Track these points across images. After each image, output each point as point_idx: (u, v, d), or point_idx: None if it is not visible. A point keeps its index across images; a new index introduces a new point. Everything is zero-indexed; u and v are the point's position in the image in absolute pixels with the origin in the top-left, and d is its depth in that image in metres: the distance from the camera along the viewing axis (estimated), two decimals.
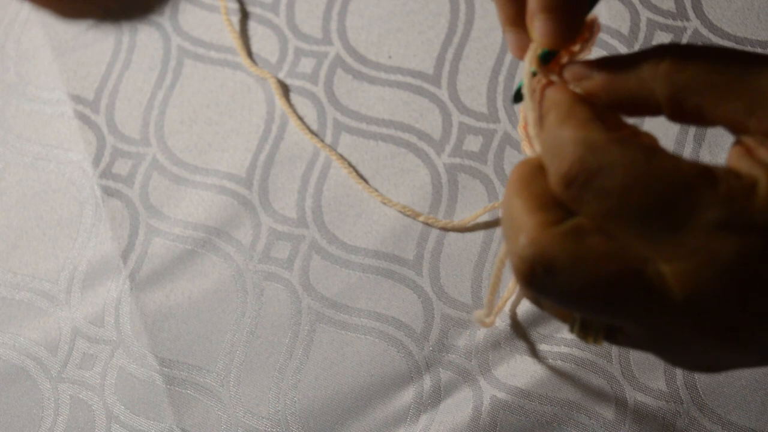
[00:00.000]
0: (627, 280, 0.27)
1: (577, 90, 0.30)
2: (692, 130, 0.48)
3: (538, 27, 0.31)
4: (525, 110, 0.32)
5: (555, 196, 0.29)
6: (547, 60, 0.32)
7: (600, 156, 0.27)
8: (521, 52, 0.32)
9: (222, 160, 0.52)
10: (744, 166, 0.27)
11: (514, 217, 0.29)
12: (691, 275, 0.26)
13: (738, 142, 0.28)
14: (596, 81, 0.30)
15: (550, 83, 0.31)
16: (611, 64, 0.30)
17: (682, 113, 0.29)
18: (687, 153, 0.48)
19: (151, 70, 0.54)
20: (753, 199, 0.26)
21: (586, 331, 0.31)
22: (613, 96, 0.30)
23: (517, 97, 0.34)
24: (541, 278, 0.28)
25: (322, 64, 0.53)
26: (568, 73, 0.31)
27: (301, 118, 0.52)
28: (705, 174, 0.26)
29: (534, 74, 0.32)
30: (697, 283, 0.26)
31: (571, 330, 0.31)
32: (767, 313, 0.26)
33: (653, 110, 0.29)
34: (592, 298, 0.27)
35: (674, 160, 0.27)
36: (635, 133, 0.31)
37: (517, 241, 0.28)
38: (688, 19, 0.50)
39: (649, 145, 0.27)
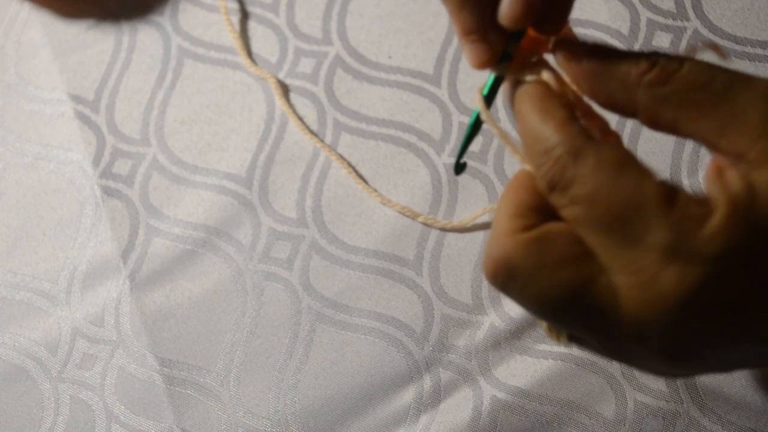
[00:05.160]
0: (577, 294, 0.28)
1: (560, 72, 0.31)
2: None
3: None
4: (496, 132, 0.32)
5: (537, 204, 0.30)
6: (518, 38, 0.32)
7: (579, 165, 0.28)
8: (482, 64, 0.32)
9: (222, 160, 0.52)
10: (713, 190, 0.27)
11: (495, 219, 0.31)
12: (637, 292, 0.27)
13: (713, 160, 0.28)
14: (583, 68, 0.30)
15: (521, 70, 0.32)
16: (601, 54, 0.30)
17: (656, 123, 0.29)
18: (687, 150, 0.48)
19: (151, 70, 0.54)
20: (701, 229, 0.26)
21: (552, 330, 0.32)
22: (594, 88, 0.30)
23: (458, 168, 0.35)
24: (503, 282, 0.29)
25: (322, 64, 0.53)
26: (560, 51, 0.31)
27: (301, 118, 0.52)
28: (665, 197, 0.27)
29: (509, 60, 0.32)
30: (640, 303, 0.27)
31: (540, 326, 0.32)
32: (705, 340, 0.27)
33: (629, 112, 0.30)
34: (547, 305, 0.29)
35: (640, 178, 0.27)
36: (604, 130, 0.32)
37: (489, 243, 0.30)
38: (688, 19, 0.50)
39: (622, 156, 0.28)
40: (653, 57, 0.29)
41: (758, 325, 0.27)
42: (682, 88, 0.28)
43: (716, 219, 0.26)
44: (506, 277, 0.29)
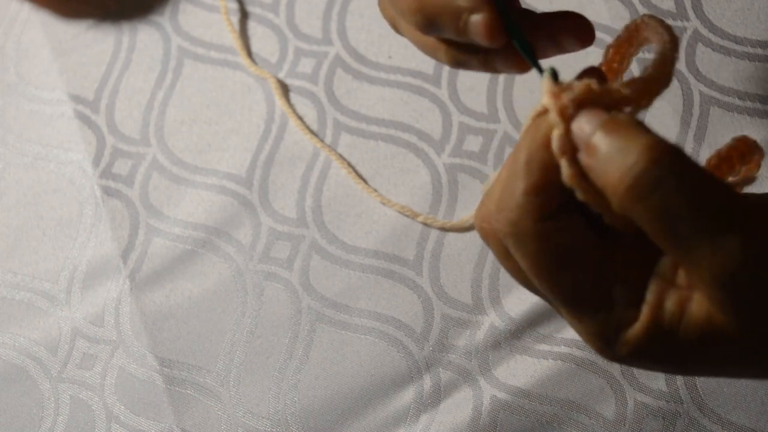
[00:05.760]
0: (530, 290, 0.31)
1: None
2: (692, 130, 0.48)
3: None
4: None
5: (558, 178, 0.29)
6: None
7: (518, 248, 0.29)
8: (491, 27, 0.31)
9: (222, 160, 0.52)
10: (651, 296, 0.28)
11: (510, 173, 0.29)
12: (580, 333, 0.31)
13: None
14: (586, 162, 0.28)
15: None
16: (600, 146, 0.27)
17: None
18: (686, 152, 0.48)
19: (151, 70, 0.54)
20: (621, 333, 0.28)
21: None
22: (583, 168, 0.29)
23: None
24: (494, 246, 0.30)
25: (322, 64, 0.53)
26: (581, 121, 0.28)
27: (301, 118, 0.52)
28: (596, 300, 0.28)
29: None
30: (581, 337, 0.31)
31: None
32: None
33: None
34: (534, 275, 0.30)
35: (576, 276, 0.28)
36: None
37: (480, 206, 0.30)
38: (688, 19, 0.50)
39: (563, 251, 0.28)
40: (636, 170, 0.26)
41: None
42: (646, 217, 0.26)
43: (633, 333, 0.28)
44: (483, 241, 0.30)
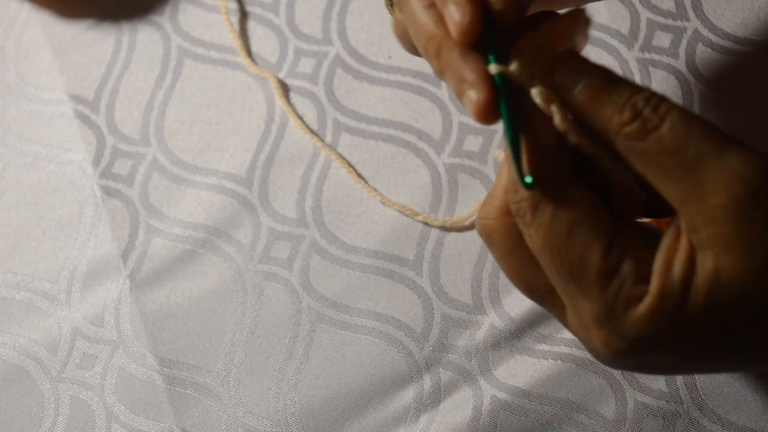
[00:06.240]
0: (532, 290, 0.33)
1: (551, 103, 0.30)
2: None
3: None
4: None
5: None
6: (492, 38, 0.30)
7: (536, 216, 0.30)
8: (487, 107, 0.31)
9: (222, 160, 0.52)
10: (659, 268, 0.29)
11: (500, 173, 0.33)
12: (576, 328, 0.31)
13: (676, 220, 0.29)
14: (573, 100, 0.30)
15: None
16: (592, 89, 0.29)
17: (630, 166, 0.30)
18: None
19: (151, 70, 0.54)
20: (629, 312, 0.29)
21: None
22: (579, 119, 0.30)
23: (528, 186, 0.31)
24: (484, 241, 0.33)
25: (322, 64, 0.53)
26: (558, 75, 0.30)
27: (301, 118, 0.52)
28: (605, 270, 0.29)
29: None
30: (579, 335, 0.31)
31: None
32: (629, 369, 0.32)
33: (604, 146, 0.30)
34: (510, 279, 0.33)
35: (588, 245, 0.29)
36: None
37: (487, 198, 0.33)
38: (688, 19, 0.50)
39: (575, 219, 0.29)
40: (639, 106, 0.28)
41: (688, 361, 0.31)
42: (654, 149, 0.28)
43: (643, 307, 0.28)
44: (486, 242, 0.33)
